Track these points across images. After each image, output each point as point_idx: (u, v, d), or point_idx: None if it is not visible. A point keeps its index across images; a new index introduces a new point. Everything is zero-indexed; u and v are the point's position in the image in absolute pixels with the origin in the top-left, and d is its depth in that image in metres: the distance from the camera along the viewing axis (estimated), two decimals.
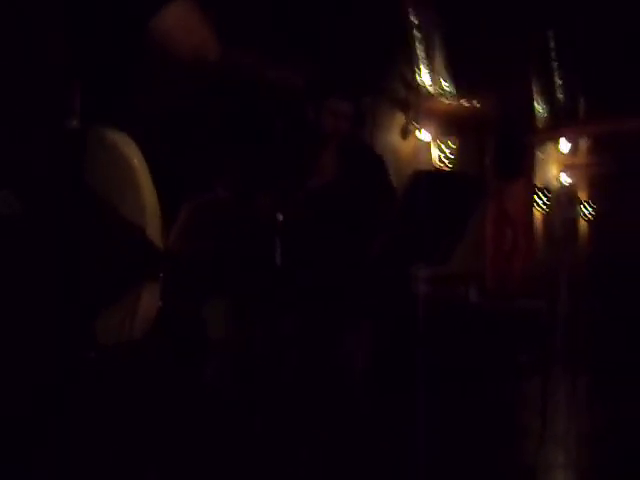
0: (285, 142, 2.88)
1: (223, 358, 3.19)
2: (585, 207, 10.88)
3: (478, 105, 7.58)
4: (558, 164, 10.22)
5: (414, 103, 7.37)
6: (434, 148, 7.57)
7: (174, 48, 2.17)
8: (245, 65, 5.38)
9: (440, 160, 7.57)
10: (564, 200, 10.22)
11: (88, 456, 2.36)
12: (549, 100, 8.18)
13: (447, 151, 7.60)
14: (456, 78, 7.18)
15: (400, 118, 7.40)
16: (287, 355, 2.81)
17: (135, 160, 2.00)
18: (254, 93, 5.02)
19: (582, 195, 10.88)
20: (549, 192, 9.78)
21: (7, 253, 2.07)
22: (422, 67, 7.12)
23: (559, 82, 7.90)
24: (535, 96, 8.15)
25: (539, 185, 9.63)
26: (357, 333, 2.89)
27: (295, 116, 3.08)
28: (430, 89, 7.20)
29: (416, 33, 6.97)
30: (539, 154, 9.53)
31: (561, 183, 10.18)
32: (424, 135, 7.51)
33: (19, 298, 2.09)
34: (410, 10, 6.91)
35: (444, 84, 7.16)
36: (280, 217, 2.70)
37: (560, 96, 8.00)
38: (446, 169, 7.46)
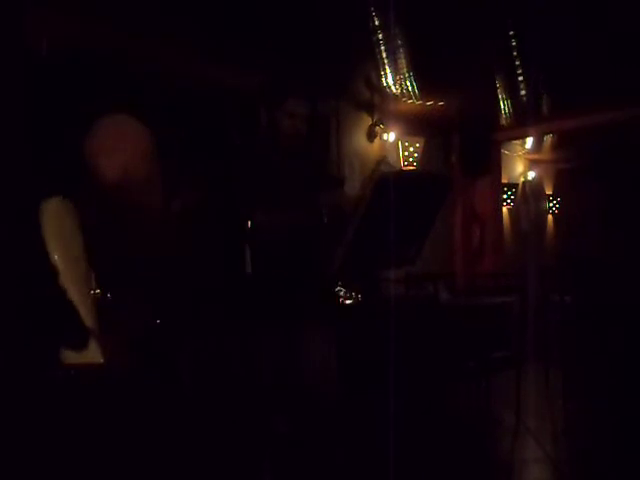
0: (240, 147, 2.87)
1: (192, 362, 3.18)
2: (551, 202, 11.00)
3: (442, 104, 7.62)
4: (523, 160, 10.31)
5: (379, 105, 7.40)
6: (400, 149, 7.61)
7: (100, 167, 2.31)
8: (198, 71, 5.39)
9: (406, 160, 7.61)
10: (531, 195, 10.31)
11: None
12: (513, 97, 8.24)
13: (412, 151, 7.64)
14: (420, 78, 7.21)
15: (366, 120, 7.43)
16: (257, 360, 2.81)
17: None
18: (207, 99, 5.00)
19: (548, 190, 10.99)
20: (515, 188, 9.87)
21: None
22: (386, 69, 7.15)
23: (522, 79, 7.96)
24: (499, 94, 8.22)
25: (505, 182, 9.71)
26: (322, 338, 2.88)
27: (249, 120, 3.07)
28: (394, 90, 7.24)
29: (379, 35, 7.00)
30: (504, 151, 9.61)
31: (527, 179, 10.28)
32: (390, 136, 7.55)
33: None
34: (373, 12, 6.95)
35: (408, 85, 7.20)
36: (248, 225, 2.70)
37: (523, 93, 8.07)
38: (411, 169, 7.50)
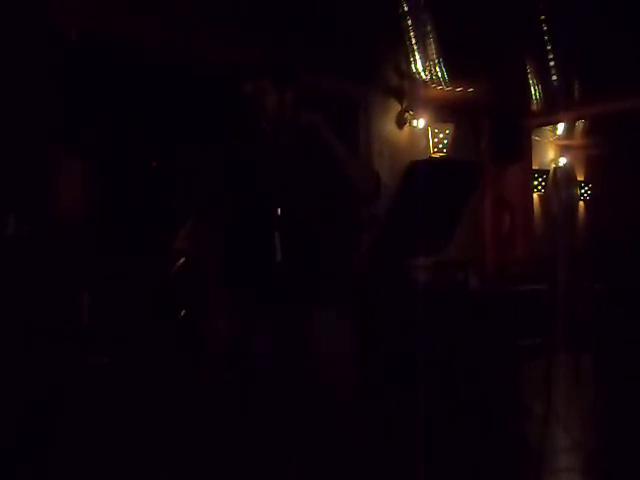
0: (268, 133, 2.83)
1: (220, 354, 3.19)
2: (583, 188, 10.89)
3: (472, 90, 7.57)
4: (555, 146, 10.22)
5: (409, 91, 7.36)
6: (430, 135, 7.57)
7: None
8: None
9: (436, 147, 7.57)
10: (562, 182, 10.22)
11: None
12: (544, 83, 8.15)
13: (442, 138, 7.60)
14: (449, 64, 7.16)
15: (395, 107, 7.40)
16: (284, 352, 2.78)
17: None
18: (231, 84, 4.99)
19: (579, 176, 10.88)
20: (546, 175, 9.79)
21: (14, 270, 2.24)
22: (415, 55, 7.11)
23: (553, 64, 7.86)
24: (529, 79, 8.13)
25: (536, 168, 9.63)
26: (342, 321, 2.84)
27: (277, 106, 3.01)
28: (424, 76, 7.19)
29: (408, 21, 6.95)
30: (535, 137, 9.52)
31: (558, 165, 10.18)
32: (419, 123, 7.52)
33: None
34: None
35: (437, 71, 7.15)
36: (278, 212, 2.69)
37: (555, 78, 7.97)
38: (442, 156, 7.47)
